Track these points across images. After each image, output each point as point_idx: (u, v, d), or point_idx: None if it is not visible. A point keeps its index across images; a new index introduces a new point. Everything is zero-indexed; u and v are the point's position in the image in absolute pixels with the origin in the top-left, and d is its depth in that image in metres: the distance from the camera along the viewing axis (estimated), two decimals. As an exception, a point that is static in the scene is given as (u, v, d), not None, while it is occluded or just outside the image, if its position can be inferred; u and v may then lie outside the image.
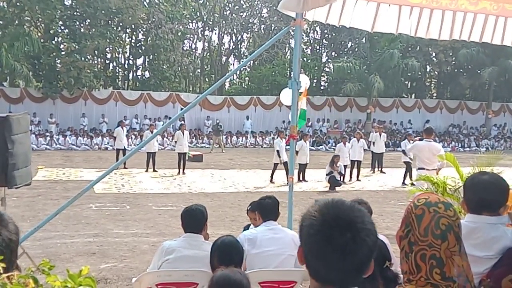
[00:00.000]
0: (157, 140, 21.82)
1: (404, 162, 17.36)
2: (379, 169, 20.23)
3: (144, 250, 8.47)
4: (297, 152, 17.07)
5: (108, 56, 35.88)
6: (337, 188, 15.87)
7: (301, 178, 17.18)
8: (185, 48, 38.29)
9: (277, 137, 17.60)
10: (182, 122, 23.06)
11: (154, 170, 18.79)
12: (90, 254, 8.24)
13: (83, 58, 29.77)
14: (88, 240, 9.07)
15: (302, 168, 17.22)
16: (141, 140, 25.54)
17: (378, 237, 1.59)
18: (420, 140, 11.53)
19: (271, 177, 17.05)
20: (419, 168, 10.82)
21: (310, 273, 1.60)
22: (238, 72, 40.85)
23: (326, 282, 1.57)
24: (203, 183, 16.64)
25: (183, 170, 18.50)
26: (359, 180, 17.90)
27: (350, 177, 18.06)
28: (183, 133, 18.80)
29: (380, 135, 19.97)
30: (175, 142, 19.30)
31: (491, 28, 6.33)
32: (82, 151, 26.33)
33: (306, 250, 1.59)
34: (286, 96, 6.58)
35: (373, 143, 20.13)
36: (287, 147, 8.05)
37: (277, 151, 16.73)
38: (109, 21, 32.05)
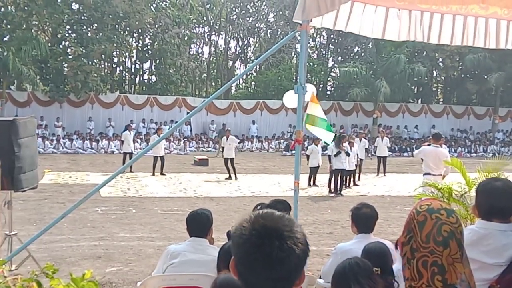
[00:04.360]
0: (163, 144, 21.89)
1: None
2: (383, 173, 20.37)
3: (150, 254, 8.48)
4: (308, 157, 17.17)
5: (115, 60, 36.05)
6: (343, 193, 15.80)
7: (311, 183, 17.16)
8: (191, 53, 38.38)
9: (312, 143, 17.67)
10: (228, 128, 23.10)
11: (162, 174, 18.85)
12: (95, 257, 8.26)
13: (90, 62, 29.94)
14: (93, 244, 9.08)
15: (314, 171, 17.19)
16: (147, 144, 25.61)
17: (308, 247, 1.60)
18: (428, 145, 11.49)
19: (314, 180, 17.29)
20: (425, 174, 10.78)
21: (241, 284, 1.61)
22: (244, 77, 40.87)
23: None
24: (209, 187, 16.65)
25: (235, 175, 18.53)
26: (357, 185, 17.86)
27: (359, 178, 18.15)
28: (226, 139, 18.91)
29: (382, 139, 20.23)
30: (222, 148, 19.52)
31: (504, 33, 6.28)
32: (88, 155, 26.41)
33: (236, 260, 1.60)
34: (288, 98, 6.55)
35: (376, 147, 20.62)
36: (293, 151, 8.04)
37: (307, 155, 17.10)
38: (116, 26, 32.17)
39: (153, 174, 18.71)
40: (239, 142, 24.02)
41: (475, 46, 6.46)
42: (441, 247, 1.88)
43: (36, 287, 1.47)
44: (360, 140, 19.30)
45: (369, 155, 22.01)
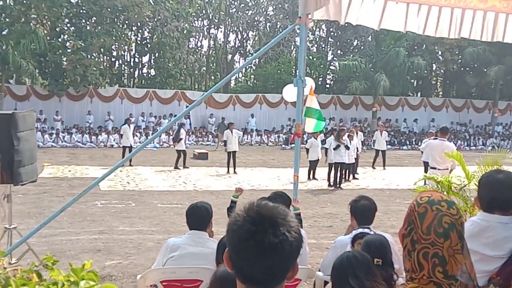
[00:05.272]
0: (160, 137, 21.89)
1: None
2: (382, 166, 20.41)
3: (149, 247, 8.49)
4: (307, 150, 17.18)
5: (114, 53, 35.98)
6: (342, 186, 15.83)
7: (311, 177, 17.17)
8: (190, 46, 38.28)
9: (311, 137, 17.83)
10: (231, 121, 22.99)
11: (185, 167, 19.13)
12: (95, 251, 8.27)
13: (89, 56, 29.86)
14: (93, 237, 9.09)
15: (313, 165, 17.21)
16: (147, 138, 25.60)
17: (302, 237, 1.59)
18: (434, 139, 11.48)
19: (314, 174, 17.37)
20: (432, 168, 10.78)
21: (235, 274, 1.60)
22: (243, 70, 40.83)
23: (249, 281, 1.56)
24: (208, 180, 16.66)
25: (234, 169, 18.55)
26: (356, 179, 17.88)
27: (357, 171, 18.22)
28: (231, 132, 18.85)
29: (381, 133, 20.33)
30: (224, 141, 19.30)
31: (502, 26, 6.24)
32: (87, 149, 26.39)
33: (230, 250, 1.59)
34: (288, 92, 6.52)
35: (375, 141, 20.77)
36: (292, 145, 8.03)
37: (307, 149, 17.24)
38: (115, 19, 32.10)
39: (176, 167, 19.02)
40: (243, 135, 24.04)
41: (471, 39, 6.43)
42: (442, 239, 1.88)
43: (36, 278, 1.47)
44: (357, 133, 19.29)
45: (362, 147, 22.02)
